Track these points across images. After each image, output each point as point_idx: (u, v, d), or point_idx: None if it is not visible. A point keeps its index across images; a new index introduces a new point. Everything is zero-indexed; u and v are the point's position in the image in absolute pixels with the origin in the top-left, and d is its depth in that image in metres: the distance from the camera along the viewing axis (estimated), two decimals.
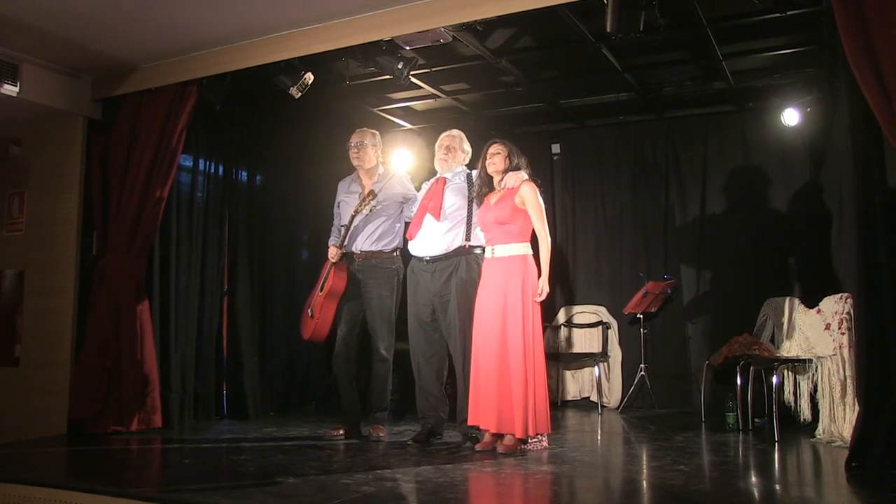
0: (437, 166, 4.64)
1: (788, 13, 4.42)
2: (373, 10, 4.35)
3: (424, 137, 6.51)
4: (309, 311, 4.71)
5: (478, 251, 4.40)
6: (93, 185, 5.14)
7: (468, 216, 4.44)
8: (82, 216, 5.17)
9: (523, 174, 4.25)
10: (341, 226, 4.74)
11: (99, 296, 4.91)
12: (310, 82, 4.87)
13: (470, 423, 4.18)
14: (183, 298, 5.40)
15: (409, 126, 6.75)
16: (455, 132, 4.69)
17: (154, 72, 5.07)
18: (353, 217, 4.64)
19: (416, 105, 6.35)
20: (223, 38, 4.73)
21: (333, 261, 4.67)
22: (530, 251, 4.18)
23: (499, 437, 4.09)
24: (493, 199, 4.28)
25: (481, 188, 4.35)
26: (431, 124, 6.59)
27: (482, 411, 4.08)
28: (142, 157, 4.97)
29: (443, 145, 4.62)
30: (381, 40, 4.47)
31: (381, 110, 6.37)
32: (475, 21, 4.22)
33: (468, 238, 4.42)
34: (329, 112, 5.96)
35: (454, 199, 4.47)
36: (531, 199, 4.15)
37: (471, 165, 4.64)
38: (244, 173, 6.10)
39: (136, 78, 5.12)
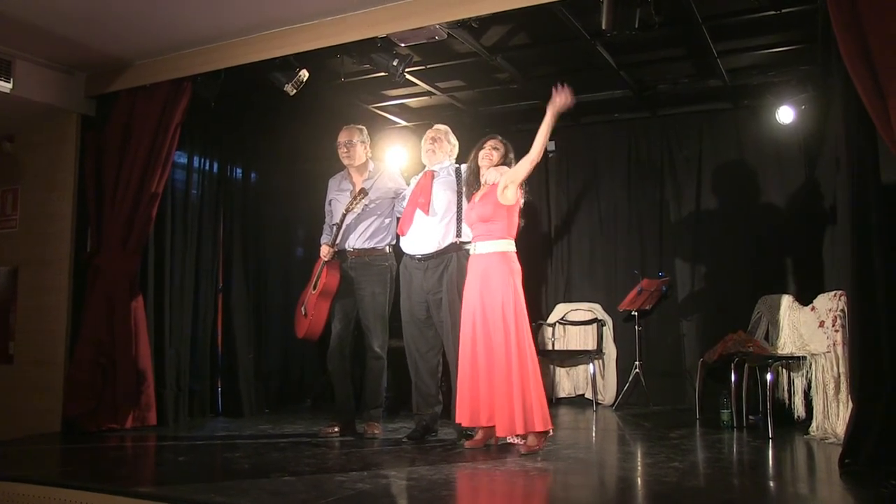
0: (425, 159, 4.66)
1: (783, 11, 4.43)
2: (368, 7, 4.34)
3: (419, 135, 6.40)
4: (302, 309, 4.70)
5: (468, 247, 4.36)
6: (87, 181, 5.11)
7: (458, 212, 4.43)
8: (76, 213, 5.15)
9: (506, 168, 4.21)
10: (333, 224, 4.72)
11: (93, 293, 4.89)
12: (305, 79, 4.85)
13: (457, 420, 4.16)
14: (177, 295, 5.38)
15: (404, 123, 6.73)
16: (441, 126, 4.71)
17: (148, 68, 5.05)
18: (344, 215, 4.62)
19: (412, 102, 6.34)
20: (218, 34, 4.71)
21: (326, 259, 4.66)
22: (513, 248, 4.13)
23: (490, 434, 4.08)
24: (477, 196, 4.25)
25: (469, 178, 4.31)
26: (427, 121, 6.55)
27: (466, 409, 4.05)
28: (136, 154, 4.96)
29: (429, 137, 4.64)
30: (377, 37, 4.44)
31: (376, 107, 6.35)
32: (470, 18, 4.20)
33: (459, 234, 4.42)
34: (324, 109, 5.94)
35: (443, 195, 4.47)
36: (513, 171, 4.10)
37: (459, 160, 4.65)
38: (239, 170, 6.09)
39: (130, 75, 5.10)
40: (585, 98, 6.06)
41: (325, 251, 4.67)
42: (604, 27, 3.93)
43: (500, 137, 4.34)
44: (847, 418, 3.70)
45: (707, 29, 4.68)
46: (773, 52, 5.18)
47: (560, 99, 3.93)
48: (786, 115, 5.63)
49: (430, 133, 4.67)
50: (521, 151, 4.29)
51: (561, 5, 4.20)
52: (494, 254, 4.09)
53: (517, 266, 4.11)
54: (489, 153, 4.26)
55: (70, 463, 4.14)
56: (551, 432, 4.11)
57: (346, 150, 4.76)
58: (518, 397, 3.89)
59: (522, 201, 4.19)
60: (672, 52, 5.27)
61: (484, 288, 4.05)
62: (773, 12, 4.46)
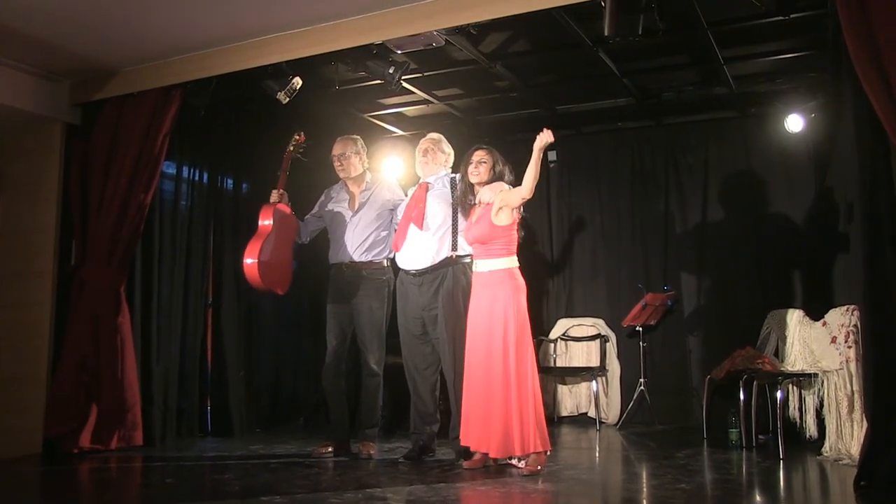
0: (419, 171, 4.63)
1: (791, 16, 4.38)
2: (363, 13, 4.29)
3: (416, 144, 6.37)
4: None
5: (466, 260, 4.34)
6: (72, 192, 5.02)
7: (453, 225, 4.38)
8: (60, 224, 5.04)
9: (502, 185, 4.15)
10: (315, 216, 4.79)
11: (77, 307, 4.79)
12: (298, 87, 4.81)
13: (462, 443, 4.09)
14: (165, 310, 5.28)
15: (400, 132, 6.66)
16: (433, 135, 4.68)
17: (136, 75, 4.97)
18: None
19: (408, 111, 6.28)
20: (208, 41, 4.65)
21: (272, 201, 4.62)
22: (515, 263, 4.07)
23: (487, 455, 4.00)
24: (474, 215, 4.19)
25: (465, 197, 4.25)
26: (424, 130, 6.45)
27: (471, 431, 3.99)
28: (123, 164, 4.87)
29: (421, 149, 4.61)
30: (372, 44, 4.40)
31: (371, 116, 6.29)
32: (469, 24, 4.15)
33: (454, 248, 4.36)
34: (318, 118, 5.87)
35: (438, 208, 4.41)
36: (506, 195, 4.02)
37: (454, 167, 4.60)
38: (230, 181, 6.00)
39: (117, 82, 5.02)
40: (587, 107, 6.09)
41: (273, 195, 4.63)
42: (606, 33, 3.87)
43: (486, 148, 4.27)
44: (862, 438, 3.63)
45: (712, 35, 4.62)
46: (781, 58, 5.11)
47: (541, 137, 3.90)
48: (795, 123, 5.58)
49: (422, 144, 4.62)
50: (520, 162, 4.17)
51: (562, 11, 4.14)
52: (498, 271, 4.04)
53: (521, 282, 4.05)
54: (476, 168, 4.19)
55: (51, 486, 4.07)
56: (549, 452, 4.05)
57: (339, 162, 4.73)
58: (517, 418, 3.84)
59: (520, 217, 4.13)
60: (676, 59, 5.22)
61: (487, 306, 3.99)
62: (780, 17, 4.40)
